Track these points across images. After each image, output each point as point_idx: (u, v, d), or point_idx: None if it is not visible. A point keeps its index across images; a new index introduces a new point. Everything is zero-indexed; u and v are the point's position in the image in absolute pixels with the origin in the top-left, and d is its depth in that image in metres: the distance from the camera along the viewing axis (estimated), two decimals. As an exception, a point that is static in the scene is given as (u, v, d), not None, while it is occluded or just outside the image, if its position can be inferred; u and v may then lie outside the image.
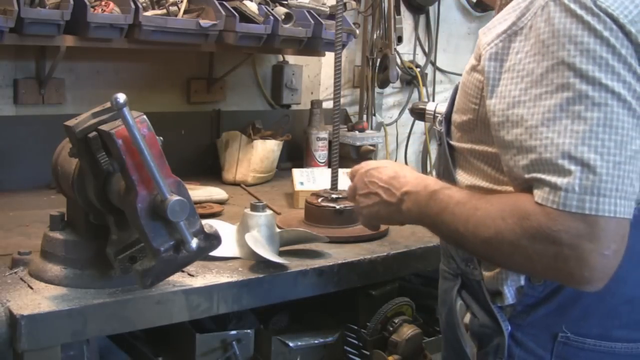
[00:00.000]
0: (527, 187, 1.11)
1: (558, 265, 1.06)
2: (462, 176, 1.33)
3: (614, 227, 1.05)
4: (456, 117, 1.32)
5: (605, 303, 1.21)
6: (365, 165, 1.44)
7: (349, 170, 1.50)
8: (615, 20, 1.06)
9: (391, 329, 1.74)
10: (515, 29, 1.15)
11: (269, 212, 1.69)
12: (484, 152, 1.26)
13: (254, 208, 1.68)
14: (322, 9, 2.58)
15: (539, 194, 1.07)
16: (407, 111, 3.12)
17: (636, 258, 1.19)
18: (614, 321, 1.23)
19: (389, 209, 1.34)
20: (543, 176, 1.07)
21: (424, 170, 3.48)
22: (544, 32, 1.10)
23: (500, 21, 1.19)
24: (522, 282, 1.23)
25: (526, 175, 1.10)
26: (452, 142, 1.34)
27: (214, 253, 1.41)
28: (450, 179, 1.33)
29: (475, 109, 1.25)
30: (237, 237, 1.68)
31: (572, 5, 1.07)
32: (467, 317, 1.34)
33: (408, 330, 1.73)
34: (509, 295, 1.25)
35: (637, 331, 1.24)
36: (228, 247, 1.62)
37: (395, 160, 3.43)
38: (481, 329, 1.30)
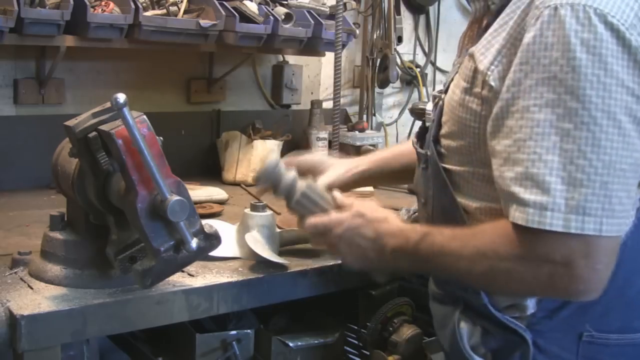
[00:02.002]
0: (510, 201, 1.12)
1: (554, 284, 1.10)
2: (465, 200, 1.30)
3: (603, 244, 1.08)
4: (450, 142, 1.30)
5: (625, 296, 1.22)
6: (351, 214, 1.37)
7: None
8: (615, 29, 1.06)
9: (391, 329, 1.74)
10: (512, 41, 1.15)
11: (269, 212, 1.69)
12: (488, 175, 1.23)
13: (254, 208, 1.68)
14: (322, 9, 2.58)
15: (522, 217, 1.09)
16: (407, 111, 3.12)
17: None
18: (634, 312, 1.24)
19: (379, 259, 1.33)
20: (527, 196, 1.09)
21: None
22: (536, 42, 1.10)
23: (495, 36, 1.19)
24: None
25: (511, 189, 1.11)
26: (446, 166, 1.32)
27: (214, 253, 1.41)
28: (446, 203, 1.32)
29: (476, 133, 1.24)
30: (237, 237, 1.68)
31: (569, 19, 1.07)
32: (477, 336, 1.32)
33: (408, 331, 1.73)
34: (530, 305, 1.24)
35: None
36: (228, 247, 1.63)
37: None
38: (498, 343, 1.29)
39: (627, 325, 1.24)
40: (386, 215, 1.35)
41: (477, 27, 1.32)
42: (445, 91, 1.35)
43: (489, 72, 1.17)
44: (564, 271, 1.08)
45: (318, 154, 1.79)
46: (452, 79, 1.33)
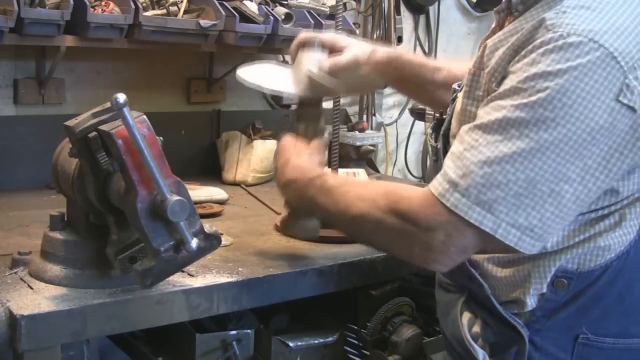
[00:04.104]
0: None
1: (409, 244, 1.19)
2: None
3: (474, 235, 1.14)
4: None
5: (624, 303, 1.23)
6: (283, 140, 1.57)
7: (349, 170, 1.52)
8: (607, 69, 1.07)
9: (391, 329, 1.74)
10: (515, 48, 1.17)
11: (325, 51, 1.66)
12: None
13: (309, 45, 1.65)
14: (322, 9, 2.58)
15: (435, 184, 1.17)
16: (407, 111, 3.12)
17: None
18: (631, 318, 1.25)
19: (280, 191, 1.52)
20: (450, 172, 1.15)
21: (423, 171, 3.48)
22: (527, 56, 1.13)
23: (502, 40, 1.21)
24: (545, 290, 1.24)
25: (446, 160, 1.18)
26: None
27: (268, 86, 1.56)
28: None
29: None
30: (292, 76, 1.66)
31: (567, 45, 1.08)
32: (477, 327, 1.34)
33: (408, 330, 1.73)
34: (529, 303, 1.26)
35: None
36: (285, 84, 1.64)
37: (395, 161, 3.43)
38: (496, 337, 1.30)
39: (624, 331, 1.25)
40: (307, 153, 1.49)
41: (499, 31, 1.33)
42: (462, 89, 1.36)
43: (493, 79, 1.20)
44: (422, 237, 1.17)
45: (331, 33, 1.80)
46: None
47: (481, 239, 1.15)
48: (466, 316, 1.35)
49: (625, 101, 1.08)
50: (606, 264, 1.21)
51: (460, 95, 1.32)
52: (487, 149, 1.13)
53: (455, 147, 1.19)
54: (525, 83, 1.11)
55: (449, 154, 1.20)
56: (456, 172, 1.15)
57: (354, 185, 1.33)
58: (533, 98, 1.09)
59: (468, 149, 1.15)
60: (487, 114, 1.16)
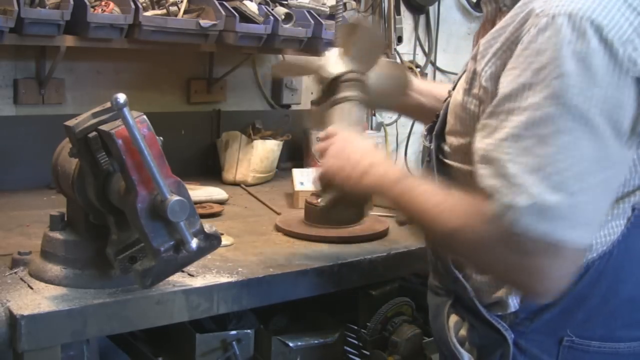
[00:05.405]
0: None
1: (513, 272, 1.11)
2: None
3: (567, 253, 1.07)
4: (453, 140, 1.32)
5: (609, 305, 1.22)
6: (339, 132, 1.49)
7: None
8: (609, 44, 1.06)
9: (391, 329, 1.74)
10: (508, 44, 1.15)
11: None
12: None
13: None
14: (322, 9, 2.58)
15: (494, 208, 1.08)
16: (407, 111, 3.11)
17: (636, 258, 1.20)
18: (617, 321, 1.23)
19: (354, 179, 1.38)
20: (499, 191, 1.07)
21: (424, 170, 3.47)
22: (529, 48, 1.10)
23: (495, 37, 1.19)
24: None
25: (484, 184, 1.10)
26: (450, 162, 1.33)
27: None
28: None
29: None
30: None
31: (564, 28, 1.06)
32: (464, 330, 1.34)
33: (408, 330, 1.73)
34: (512, 304, 1.25)
35: (639, 329, 1.24)
36: None
37: (395, 161, 3.43)
38: (481, 340, 1.30)
39: (610, 334, 1.23)
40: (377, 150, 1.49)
41: (490, 28, 1.32)
42: (454, 88, 1.36)
43: (483, 73, 1.18)
44: (524, 264, 1.08)
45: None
46: (460, 78, 1.34)
47: (569, 251, 1.08)
48: (453, 319, 1.35)
49: (631, 74, 1.06)
50: (587, 264, 1.19)
51: (457, 91, 1.30)
52: (526, 158, 1.07)
53: (484, 168, 1.11)
54: (538, 76, 1.07)
55: (479, 175, 1.12)
56: (504, 191, 1.07)
57: (445, 195, 1.22)
58: (550, 90, 1.06)
59: (504, 165, 1.08)
60: (508, 120, 1.10)
